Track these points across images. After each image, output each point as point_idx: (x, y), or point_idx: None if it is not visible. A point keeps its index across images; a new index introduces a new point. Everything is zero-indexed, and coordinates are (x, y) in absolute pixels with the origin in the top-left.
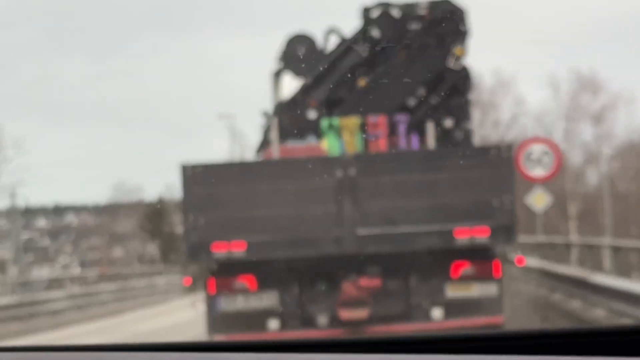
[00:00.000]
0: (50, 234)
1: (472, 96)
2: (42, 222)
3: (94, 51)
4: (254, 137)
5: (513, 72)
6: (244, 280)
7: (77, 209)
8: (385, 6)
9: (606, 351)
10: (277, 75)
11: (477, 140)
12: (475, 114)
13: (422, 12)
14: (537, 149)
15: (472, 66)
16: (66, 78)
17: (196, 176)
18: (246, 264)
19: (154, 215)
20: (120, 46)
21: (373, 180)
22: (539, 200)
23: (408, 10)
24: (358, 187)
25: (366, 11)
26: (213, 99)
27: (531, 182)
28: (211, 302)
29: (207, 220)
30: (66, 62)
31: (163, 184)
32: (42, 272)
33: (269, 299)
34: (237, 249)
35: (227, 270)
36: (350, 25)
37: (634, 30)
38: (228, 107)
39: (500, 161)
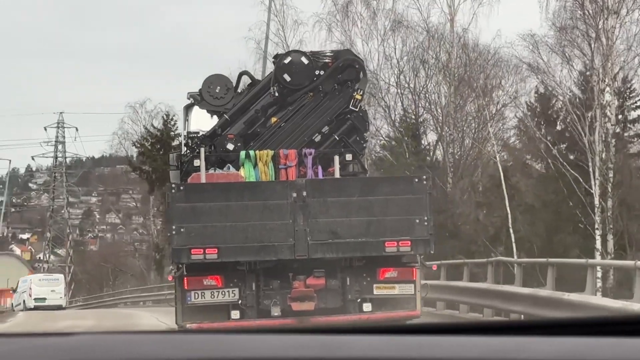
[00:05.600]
0: None
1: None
2: None
3: None
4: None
5: None
6: (212, 279)
7: None
8: (295, 54)
9: None
10: (188, 108)
11: None
12: None
13: (327, 60)
14: None
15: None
16: None
17: (180, 194)
18: (214, 265)
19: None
20: None
21: (320, 201)
22: None
23: (314, 58)
24: (308, 206)
25: (278, 57)
26: None
27: None
28: (183, 296)
29: (187, 229)
30: None
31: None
32: None
33: (231, 294)
34: (211, 253)
35: (198, 270)
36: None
37: None
38: None
39: (420, 188)
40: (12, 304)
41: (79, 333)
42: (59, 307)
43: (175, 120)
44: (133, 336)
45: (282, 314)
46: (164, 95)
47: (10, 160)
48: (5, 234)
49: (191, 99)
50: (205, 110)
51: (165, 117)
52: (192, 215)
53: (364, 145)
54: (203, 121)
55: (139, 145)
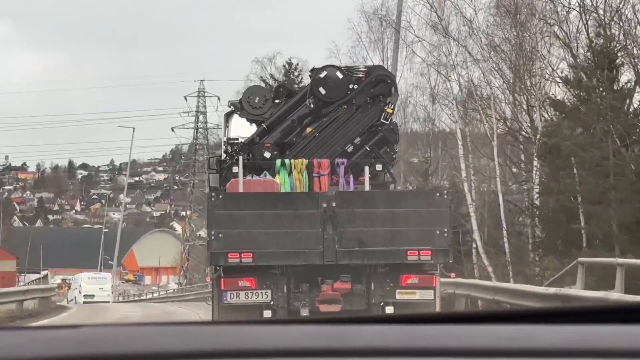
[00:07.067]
0: None
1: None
2: None
3: None
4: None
5: None
6: (247, 281)
7: None
8: (330, 68)
9: None
10: (228, 116)
11: None
12: None
13: (360, 74)
14: None
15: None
16: None
17: (219, 202)
18: (249, 268)
19: None
20: None
21: (348, 211)
22: None
23: (348, 72)
24: (337, 216)
25: (314, 71)
26: None
27: None
28: (220, 296)
29: (225, 235)
30: None
31: None
32: None
33: (264, 296)
34: (246, 257)
35: (234, 273)
36: None
37: None
38: None
39: (441, 202)
40: (67, 299)
41: (87, 325)
42: (106, 304)
43: (300, 71)
44: (141, 328)
45: (310, 314)
46: (297, 49)
47: (134, 129)
48: (167, 211)
49: (232, 107)
50: (244, 119)
51: (286, 65)
52: (230, 222)
53: (394, 156)
54: (242, 128)
55: None
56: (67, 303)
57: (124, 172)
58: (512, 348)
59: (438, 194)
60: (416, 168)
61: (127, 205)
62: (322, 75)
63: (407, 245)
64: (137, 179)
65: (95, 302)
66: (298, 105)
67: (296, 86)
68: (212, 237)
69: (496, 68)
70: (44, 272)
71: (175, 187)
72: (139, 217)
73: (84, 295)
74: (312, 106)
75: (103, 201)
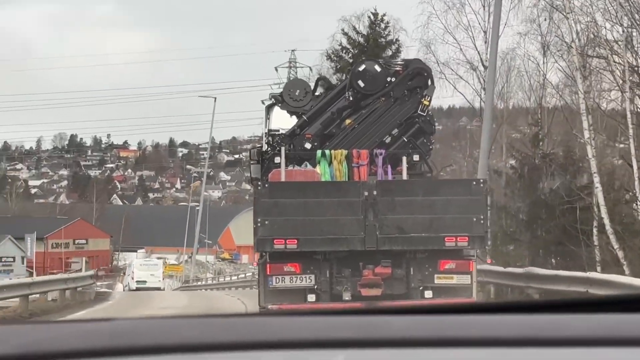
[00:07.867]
0: None
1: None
2: None
3: None
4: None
5: None
6: (291, 266)
7: None
8: (369, 62)
9: None
10: (269, 108)
11: None
12: None
13: (398, 67)
14: None
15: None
16: None
17: (265, 190)
18: (293, 254)
19: None
20: None
21: (389, 199)
22: None
23: (386, 65)
24: (378, 204)
25: (353, 65)
26: None
27: None
28: (265, 281)
29: (271, 222)
30: None
31: None
32: None
33: (308, 280)
34: (291, 243)
35: (279, 258)
36: None
37: None
38: None
39: (478, 190)
40: (122, 285)
41: (118, 318)
42: (157, 289)
43: (387, 23)
44: (171, 320)
45: (352, 298)
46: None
47: (215, 98)
48: None
49: (273, 100)
50: (285, 111)
51: (372, 16)
52: (275, 209)
53: (430, 147)
54: (283, 120)
55: (335, 58)
56: (123, 289)
57: (224, 150)
58: (540, 337)
59: (475, 183)
60: (523, 132)
61: (227, 183)
62: (361, 68)
63: (445, 232)
64: (237, 156)
65: (148, 288)
66: (337, 98)
67: (382, 40)
68: (259, 224)
69: (625, 4)
70: (140, 251)
71: None
72: (239, 195)
73: (137, 282)
74: (351, 99)
75: (203, 179)
